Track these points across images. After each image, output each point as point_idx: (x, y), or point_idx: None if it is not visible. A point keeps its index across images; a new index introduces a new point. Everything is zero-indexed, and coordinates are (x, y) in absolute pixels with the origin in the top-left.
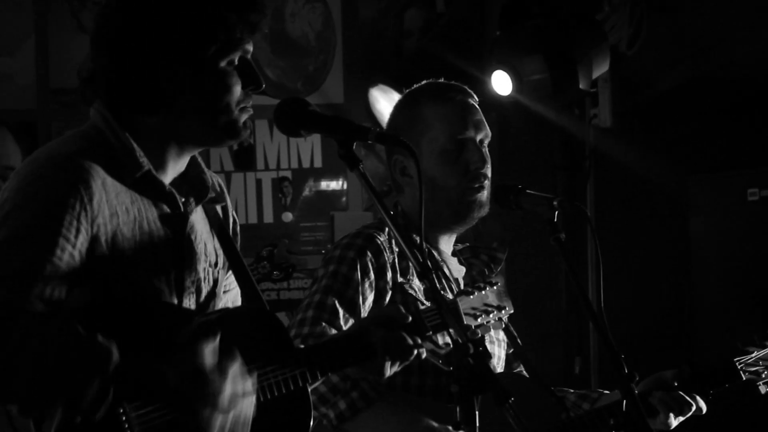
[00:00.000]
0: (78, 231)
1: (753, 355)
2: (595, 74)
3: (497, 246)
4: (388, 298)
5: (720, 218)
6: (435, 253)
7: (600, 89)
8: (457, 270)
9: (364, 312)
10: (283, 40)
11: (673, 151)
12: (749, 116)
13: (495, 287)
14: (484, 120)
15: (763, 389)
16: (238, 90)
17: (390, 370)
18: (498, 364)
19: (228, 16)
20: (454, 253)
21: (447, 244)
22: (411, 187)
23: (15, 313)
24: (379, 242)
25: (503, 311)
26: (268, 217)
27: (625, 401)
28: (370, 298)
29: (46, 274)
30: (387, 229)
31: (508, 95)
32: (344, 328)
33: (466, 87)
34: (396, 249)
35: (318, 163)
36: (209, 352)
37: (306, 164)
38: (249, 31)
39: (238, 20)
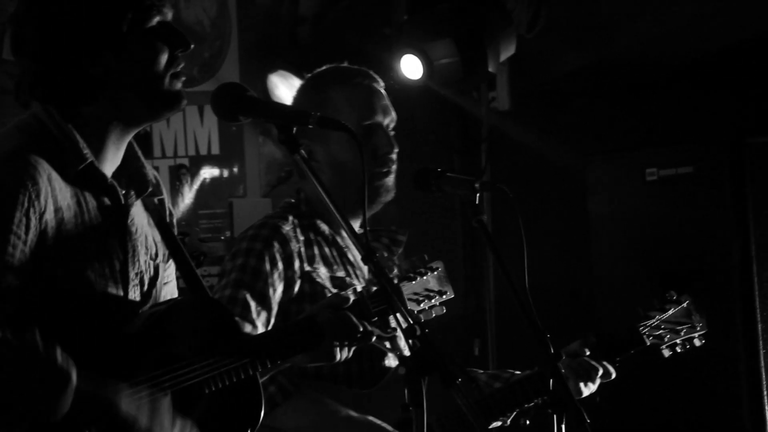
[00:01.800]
0: (27, 228)
1: (655, 319)
2: (503, 57)
3: (397, 228)
4: (297, 288)
5: (619, 198)
6: (339, 240)
7: (498, 73)
8: (360, 255)
9: (275, 304)
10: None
11: (572, 133)
12: (647, 97)
13: (436, 272)
14: (390, 104)
15: (666, 353)
16: (164, 57)
17: (340, 353)
18: (405, 346)
19: None
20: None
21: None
22: (318, 170)
23: None
24: (285, 231)
25: (444, 296)
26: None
27: (552, 380)
28: (280, 288)
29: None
30: (291, 217)
31: (418, 79)
32: (257, 321)
33: (371, 72)
34: (302, 237)
35: (215, 149)
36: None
37: (203, 151)
38: (160, 1)
39: None
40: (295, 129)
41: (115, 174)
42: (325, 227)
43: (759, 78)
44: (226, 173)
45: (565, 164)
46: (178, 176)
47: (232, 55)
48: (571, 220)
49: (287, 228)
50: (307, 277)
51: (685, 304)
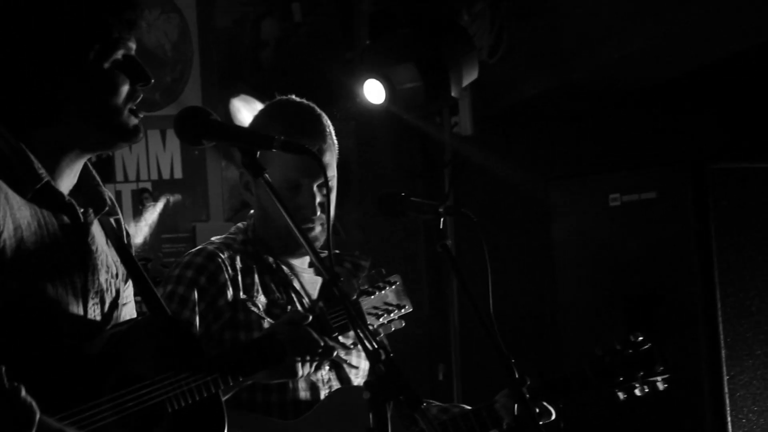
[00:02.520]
0: None
1: (609, 362)
2: (465, 82)
3: (360, 254)
4: (229, 316)
5: (582, 223)
6: (285, 268)
7: (460, 97)
8: (310, 282)
9: (202, 331)
10: (138, 52)
11: (534, 157)
12: (609, 122)
13: (394, 286)
14: (329, 161)
15: (621, 396)
16: (125, 90)
17: (302, 369)
18: (358, 375)
19: (104, 17)
20: (312, 264)
21: (298, 258)
22: (253, 203)
23: None
24: (220, 260)
25: (403, 309)
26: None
27: (516, 405)
28: (209, 317)
29: None
30: (232, 244)
31: (381, 104)
32: None
33: (318, 124)
34: (240, 266)
35: (178, 173)
36: (126, 366)
37: (166, 175)
38: (127, 29)
39: (114, 20)
40: (258, 153)
41: (72, 193)
42: (268, 255)
43: (721, 102)
44: (189, 197)
45: (527, 189)
46: (140, 200)
47: (194, 79)
48: (534, 245)
49: (224, 255)
50: (242, 306)
51: (647, 346)
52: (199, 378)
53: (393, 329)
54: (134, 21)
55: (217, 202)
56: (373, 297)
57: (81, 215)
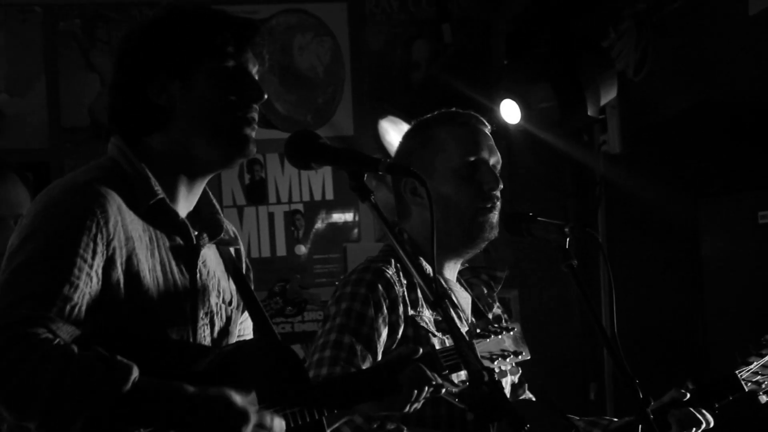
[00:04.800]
0: (95, 252)
1: (753, 365)
2: (603, 101)
3: (496, 265)
4: (401, 332)
5: (731, 241)
6: (441, 281)
7: (608, 116)
8: (463, 298)
9: (380, 347)
10: (291, 74)
11: (683, 175)
12: (758, 138)
13: (512, 332)
14: (496, 147)
15: (763, 399)
16: (231, 98)
17: (410, 406)
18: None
19: (216, 28)
20: (458, 280)
21: (453, 271)
22: (422, 207)
23: (35, 332)
24: (389, 276)
25: (519, 356)
26: (281, 251)
27: (640, 426)
28: (384, 333)
29: (65, 294)
30: (393, 261)
31: (517, 124)
32: (362, 366)
33: (478, 115)
34: (404, 281)
35: (329, 195)
36: (232, 384)
37: (318, 197)
38: (236, 41)
39: (226, 32)
40: (366, 175)
41: (189, 217)
42: (428, 267)
43: None
44: (340, 218)
45: (676, 207)
46: (293, 222)
47: (346, 101)
48: (684, 264)
49: (391, 271)
50: (411, 321)
51: None
52: (301, 404)
53: (509, 376)
54: (247, 37)
55: (368, 222)
56: (488, 341)
57: (194, 237)
